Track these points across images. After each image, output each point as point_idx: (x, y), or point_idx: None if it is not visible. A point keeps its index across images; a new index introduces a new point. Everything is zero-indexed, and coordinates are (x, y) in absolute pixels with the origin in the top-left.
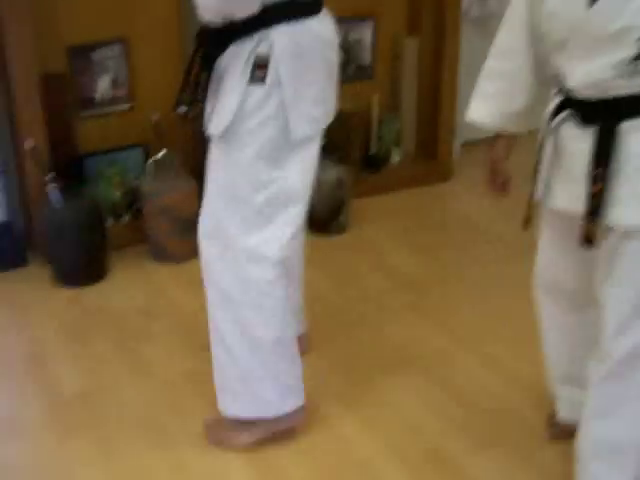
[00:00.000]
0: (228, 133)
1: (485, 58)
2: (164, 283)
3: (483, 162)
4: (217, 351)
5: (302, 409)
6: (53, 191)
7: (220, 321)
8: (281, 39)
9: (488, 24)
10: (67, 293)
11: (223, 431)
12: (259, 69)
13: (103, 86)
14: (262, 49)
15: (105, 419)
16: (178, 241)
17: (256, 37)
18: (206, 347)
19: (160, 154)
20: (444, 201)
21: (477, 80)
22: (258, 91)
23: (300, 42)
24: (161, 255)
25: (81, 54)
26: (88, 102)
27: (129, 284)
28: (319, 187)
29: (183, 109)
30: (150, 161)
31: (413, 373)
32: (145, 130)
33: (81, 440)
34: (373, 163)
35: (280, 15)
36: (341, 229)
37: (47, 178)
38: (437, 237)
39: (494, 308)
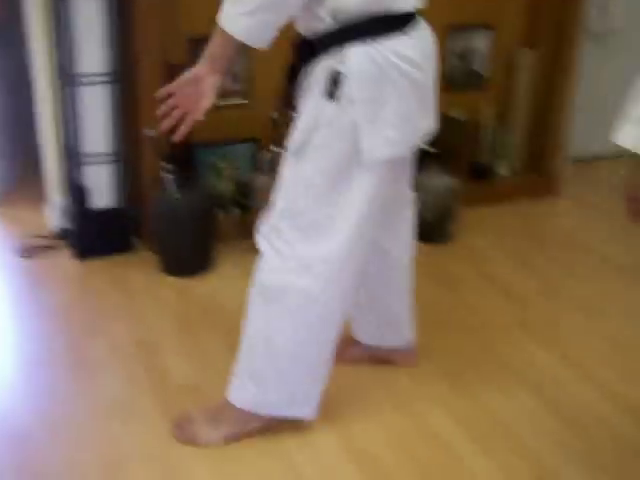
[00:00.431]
0: (299, 148)
1: (605, 76)
2: None
3: (594, 180)
4: (244, 337)
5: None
6: (169, 179)
7: (249, 313)
8: (356, 57)
9: (609, 41)
10: (174, 282)
11: (193, 427)
12: (332, 86)
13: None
14: (338, 65)
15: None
16: None
17: (335, 53)
18: None
19: (276, 149)
20: (551, 216)
21: (625, 101)
22: (329, 108)
23: (377, 60)
24: None
25: (201, 46)
26: None
27: (237, 278)
28: (428, 194)
29: (275, 115)
30: (264, 155)
31: (523, 395)
32: (260, 126)
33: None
34: (481, 173)
35: (357, 32)
36: (447, 238)
37: (163, 166)
38: (543, 253)
39: (603, 331)
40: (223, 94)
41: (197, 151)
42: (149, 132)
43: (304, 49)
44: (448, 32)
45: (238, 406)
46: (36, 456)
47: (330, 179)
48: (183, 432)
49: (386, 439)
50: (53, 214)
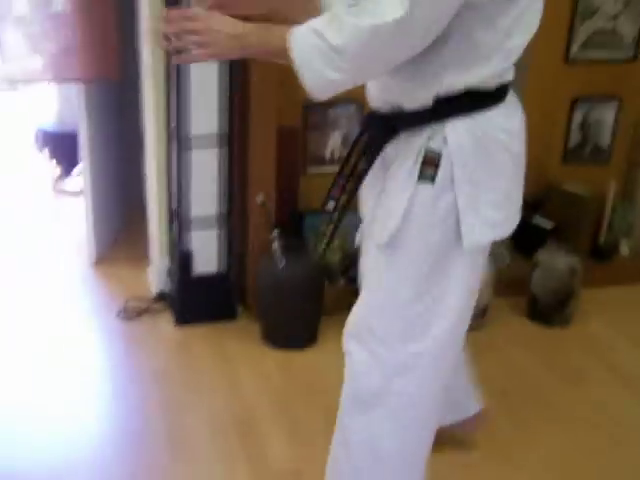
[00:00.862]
0: (392, 238)
1: None
2: None
3: None
4: (337, 453)
5: None
6: (276, 248)
7: (347, 425)
8: (456, 133)
9: None
10: (275, 354)
11: None
12: (429, 166)
13: (333, 144)
14: (433, 144)
15: None
16: None
17: (428, 130)
18: None
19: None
20: None
21: None
22: (426, 191)
23: (479, 137)
24: None
25: (317, 110)
26: (316, 159)
27: (341, 353)
28: (547, 273)
29: (332, 205)
30: None
31: None
32: None
33: None
34: (601, 253)
35: (456, 106)
36: (566, 321)
37: (273, 235)
38: None
39: None
40: (334, 160)
41: (306, 217)
42: (259, 198)
43: (382, 122)
44: (573, 103)
45: None
46: None
47: (428, 269)
48: None
49: None
50: (154, 276)
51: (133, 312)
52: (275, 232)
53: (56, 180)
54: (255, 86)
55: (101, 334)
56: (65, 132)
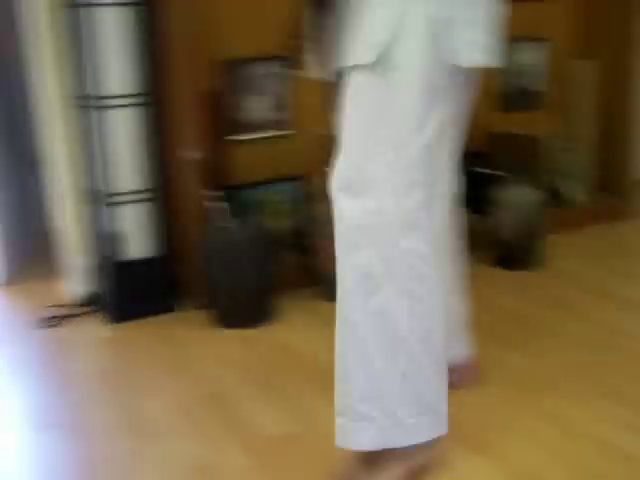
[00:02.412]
0: (379, 58)
1: None
2: None
3: None
4: (343, 355)
5: (441, 440)
6: (217, 209)
7: (353, 310)
8: None
9: None
10: (231, 334)
11: None
12: None
13: (256, 107)
14: None
15: (320, 461)
16: None
17: None
18: None
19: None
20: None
21: None
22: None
23: None
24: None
25: (241, 69)
26: (240, 124)
27: (307, 326)
28: (515, 212)
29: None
30: (318, 183)
31: None
32: (307, 159)
33: None
34: (552, 198)
35: None
36: (538, 262)
37: (210, 194)
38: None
39: None
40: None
41: (233, 191)
42: (190, 154)
43: None
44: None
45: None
46: None
47: (432, 93)
48: None
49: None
50: (74, 281)
51: (56, 319)
52: (214, 193)
53: None
54: (175, 38)
55: (24, 344)
56: None
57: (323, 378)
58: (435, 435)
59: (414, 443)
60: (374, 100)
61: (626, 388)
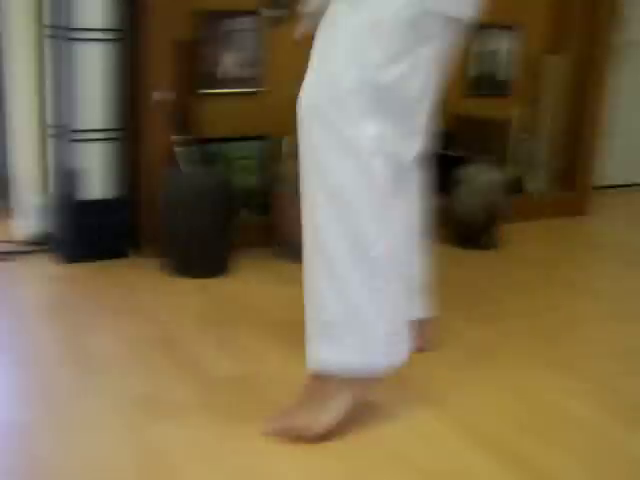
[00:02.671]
0: None
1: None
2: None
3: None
4: (315, 276)
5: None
6: (182, 153)
7: (323, 230)
8: None
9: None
10: (185, 282)
11: (294, 419)
12: None
13: (230, 62)
14: None
15: (270, 401)
16: None
17: None
18: None
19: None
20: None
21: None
22: None
23: None
24: (293, 252)
25: (212, 21)
26: (213, 78)
27: (260, 282)
28: (474, 190)
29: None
30: (287, 141)
31: None
32: (275, 118)
33: (248, 422)
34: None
35: None
36: (494, 243)
37: (174, 138)
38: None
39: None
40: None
41: (209, 145)
42: (157, 95)
43: None
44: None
45: (324, 371)
46: (53, 464)
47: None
48: (284, 427)
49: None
50: (27, 217)
51: (5, 254)
52: (177, 137)
53: None
54: None
55: None
56: None
57: (275, 330)
58: (399, 358)
59: (380, 366)
60: (350, 26)
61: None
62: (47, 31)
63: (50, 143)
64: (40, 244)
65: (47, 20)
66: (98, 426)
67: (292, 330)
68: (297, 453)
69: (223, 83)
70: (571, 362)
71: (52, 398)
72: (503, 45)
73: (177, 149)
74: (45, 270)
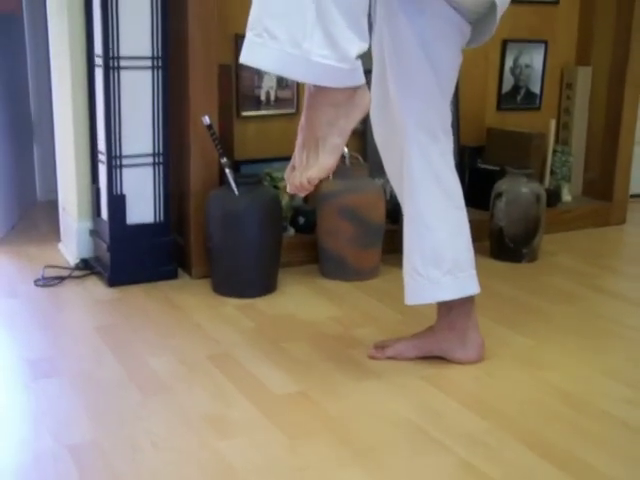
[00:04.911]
0: None
1: None
2: (351, 296)
3: None
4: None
5: None
6: (230, 174)
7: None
8: None
9: None
10: (234, 302)
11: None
12: None
13: (270, 84)
14: None
15: (332, 417)
16: (361, 251)
17: None
18: None
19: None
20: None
21: None
22: None
23: None
24: (339, 269)
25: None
26: (255, 100)
27: (307, 297)
28: (514, 202)
29: None
30: None
31: None
32: None
33: (314, 437)
34: (548, 198)
35: None
36: (534, 256)
37: (223, 161)
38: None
39: None
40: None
41: (241, 168)
42: (205, 120)
43: None
44: (504, 45)
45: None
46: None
47: None
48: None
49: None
50: (72, 246)
51: (55, 279)
52: (225, 160)
53: None
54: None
55: (22, 301)
56: None
57: (327, 345)
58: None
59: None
60: None
61: (618, 365)
62: (97, 60)
63: (100, 169)
64: (89, 268)
65: (97, 50)
66: (168, 445)
67: (342, 344)
68: (370, 466)
69: (265, 105)
70: (622, 369)
71: (121, 418)
72: (535, 58)
73: (226, 170)
74: (95, 294)
